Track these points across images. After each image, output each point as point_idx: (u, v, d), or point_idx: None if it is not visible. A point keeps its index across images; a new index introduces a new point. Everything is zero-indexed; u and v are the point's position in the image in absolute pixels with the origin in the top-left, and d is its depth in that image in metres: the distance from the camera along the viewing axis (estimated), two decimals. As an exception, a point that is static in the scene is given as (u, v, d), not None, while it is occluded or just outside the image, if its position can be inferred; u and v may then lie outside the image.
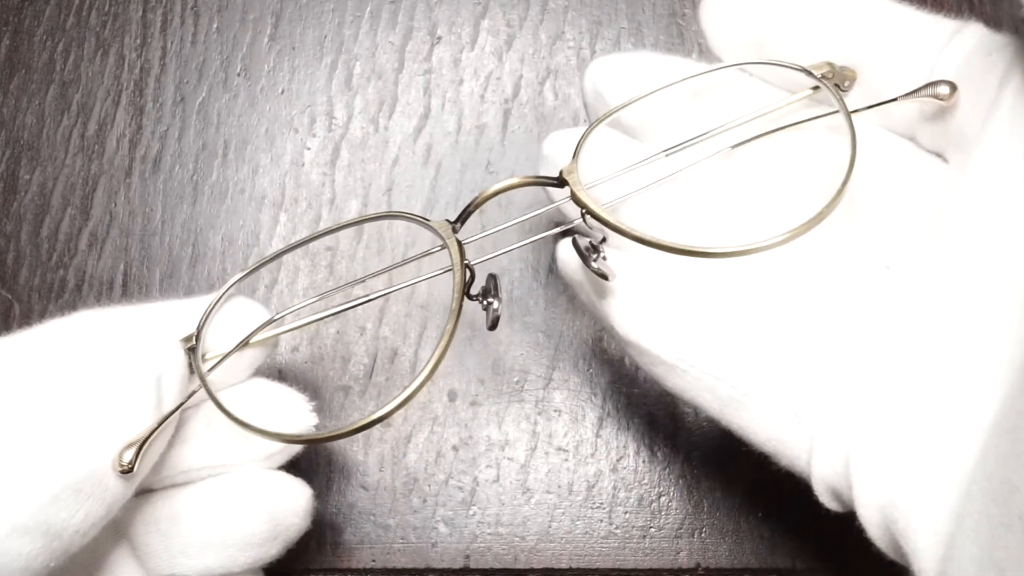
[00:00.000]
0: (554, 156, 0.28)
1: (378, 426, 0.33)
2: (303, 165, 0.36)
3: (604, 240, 0.26)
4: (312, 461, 0.32)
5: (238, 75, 0.37)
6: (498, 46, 0.38)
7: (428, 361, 0.23)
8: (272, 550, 0.26)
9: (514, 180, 0.26)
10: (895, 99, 0.26)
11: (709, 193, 0.28)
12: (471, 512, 0.32)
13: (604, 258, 0.26)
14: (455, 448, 0.32)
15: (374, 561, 0.31)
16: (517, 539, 0.31)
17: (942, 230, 0.25)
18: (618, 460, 0.32)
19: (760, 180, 0.28)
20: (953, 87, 0.25)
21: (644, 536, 0.31)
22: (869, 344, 0.25)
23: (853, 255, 0.26)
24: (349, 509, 0.32)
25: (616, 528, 0.31)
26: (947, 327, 0.24)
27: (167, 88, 0.37)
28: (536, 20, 0.38)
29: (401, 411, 0.33)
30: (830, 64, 0.27)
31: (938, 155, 0.27)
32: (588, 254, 0.26)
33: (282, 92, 0.37)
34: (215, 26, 0.38)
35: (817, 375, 0.25)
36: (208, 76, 0.37)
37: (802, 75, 0.27)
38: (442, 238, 0.26)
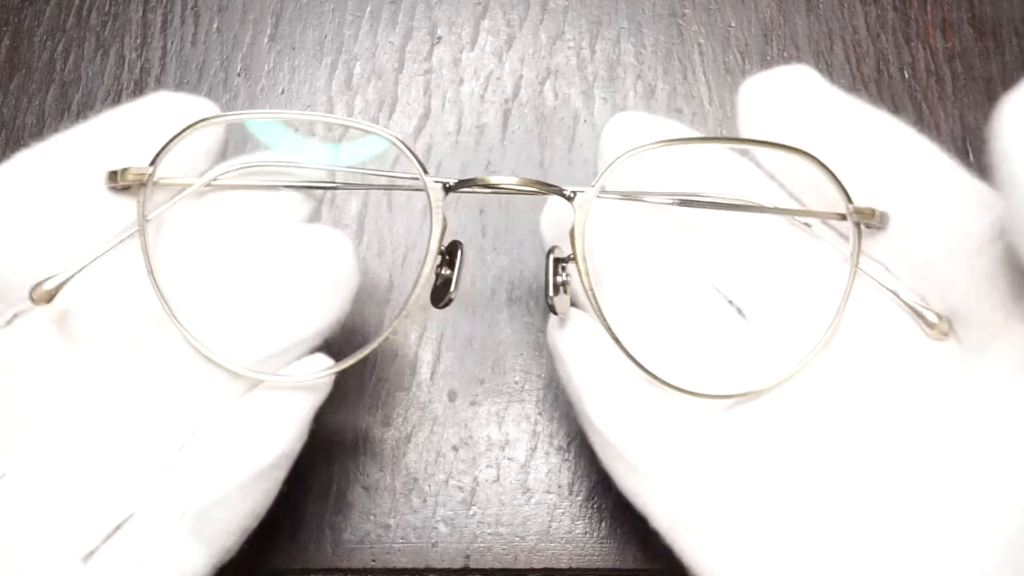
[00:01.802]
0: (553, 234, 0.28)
1: (378, 426, 0.33)
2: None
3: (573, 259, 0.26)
4: (312, 460, 0.32)
5: (238, 75, 0.37)
6: (498, 46, 0.38)
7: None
8: (336, 301, 0.25)
9: (518, 180, 0.26)
10: (896, 294, 0.26)
11: (694, 292, 0.27)
12: (471, 512, 0.32)
13: (568, 276, 0.26)
14: (455, 448, 0.32)
15: (374, 561, 0.31)
16: (517, 539, 0.32)
17: (955, 413, 0.24)
18: (618, 460, 0.32)
19: (750, 291, 0.27)
20: (946, 324, 0.25)
21: (645, 536, 0.31)
22: (858, 516, 0.24)
23: (837, 405, 0.26)
24: (349, 509, 0.32)
25: (617, 528, 0.31)
26: (938, 527, 0.23)
27: (167, 88, 0.37)
28: (536, 20, 0.38)
29: (402, 411, 0.33)
30: (872, 209, 0.26)
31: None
32: (559, 266, 0.26)
33: (282, 92, 0.37)
34: (215, 26, 0.38)
35: (782, 531, 0.24)
36: (208, 76, 0.37)
37: (826, 182, 0.26)
38: (423, 180, 0.25)
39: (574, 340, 0.26)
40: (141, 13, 0.38)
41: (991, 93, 0.37)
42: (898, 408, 0.25)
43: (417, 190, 0.26)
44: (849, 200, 0.26)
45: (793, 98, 0.27)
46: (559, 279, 0.26)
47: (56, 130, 0.36)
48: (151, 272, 0.25)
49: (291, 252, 0.25)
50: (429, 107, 0.37)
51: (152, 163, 0.25)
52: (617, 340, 0.25)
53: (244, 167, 0.27)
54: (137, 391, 0.25)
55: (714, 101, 0.37)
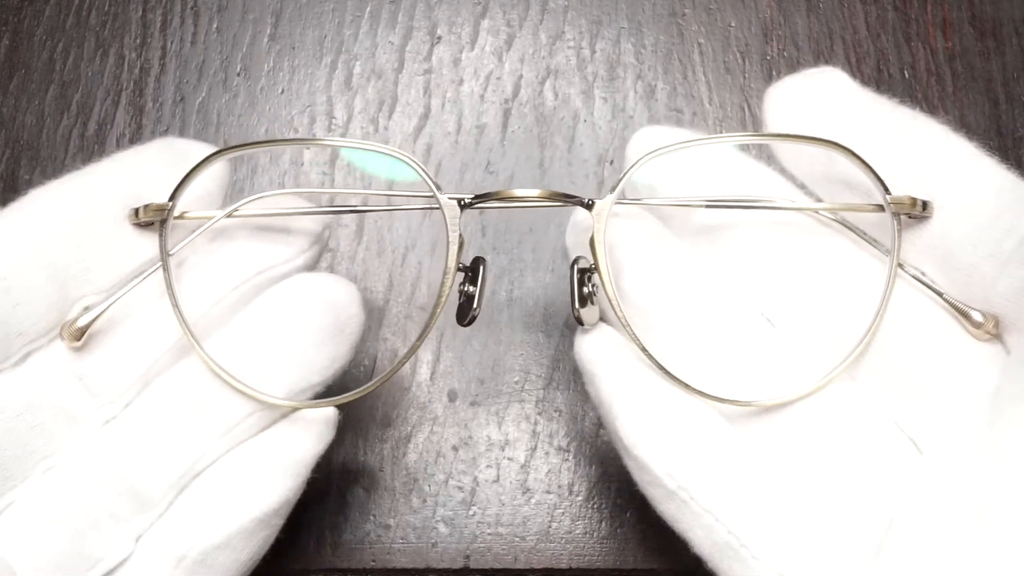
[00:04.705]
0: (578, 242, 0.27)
1: (378, 426, 0.33)
2: (302, 164, 0.36)
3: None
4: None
5: (238, 75, 0.37)
6: (498, 46, 0.38)
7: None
8: (341, 349, 0.25)
9: (538, 192, 0.25)
10: (938, 292, 0.25)
11: (722, 300, 0.26)
12: (471, 512, 0.32)
13: (594, 287, 0.25)
14: (455, 448, 0.32)
15: (374, 561, 0.31)
16: (517, 539, 0.32)
17: (1001, 426, 0.23)
18: (619, 460, 0.32)
19: (780, 294, 0.26)
20: (992, 322, 0.24)
21: (645, 536, 0.31)
22: (894, 533, 0.23)
23: (883, 423, 0.25)
24: (349, 509, 0.32)
25: (617, 528, 0.31)
26: (990, 543, 0.22)
27: (167, 88, 0.37)
28: (536, 20, 0.38)
29: (402, 411, 0.33)
30: (912, 198, 0.25)
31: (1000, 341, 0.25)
32: (584, 276, 0.25)
33: (282, 92, 0.37)
34: (215, 26, 0.38)
35: (829, 549, 0.23)
36: (208, 76, 0.37)
37: (858, 178, 0.25)
38: (438, 198, 0.25)
39: (604, 357, 0.25)
40: (141, 13, 0.38)
41: (991, 93, 0.37)
42: (944, 416, 0.24)
43: (432, 208, 0.25)
44: (886, 191, 0.25)
45: (823, 99, 0.26)
46: (585, 290, 0.25)
47: (55, 130, 0.36)
48: (176, 306, 0.25)
49: (302, 302, 0.25)
50: (429, 107, 0.37)
51: (171, 198, 0.25)
52: (644, 350, 0.25)
53: (259, 198, 0.27)
54: (142, 431, 0.25)
55: (714, 101, 0.37)
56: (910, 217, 0.25)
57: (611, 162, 0.36)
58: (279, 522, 0.25)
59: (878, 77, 0.37)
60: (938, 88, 0.37)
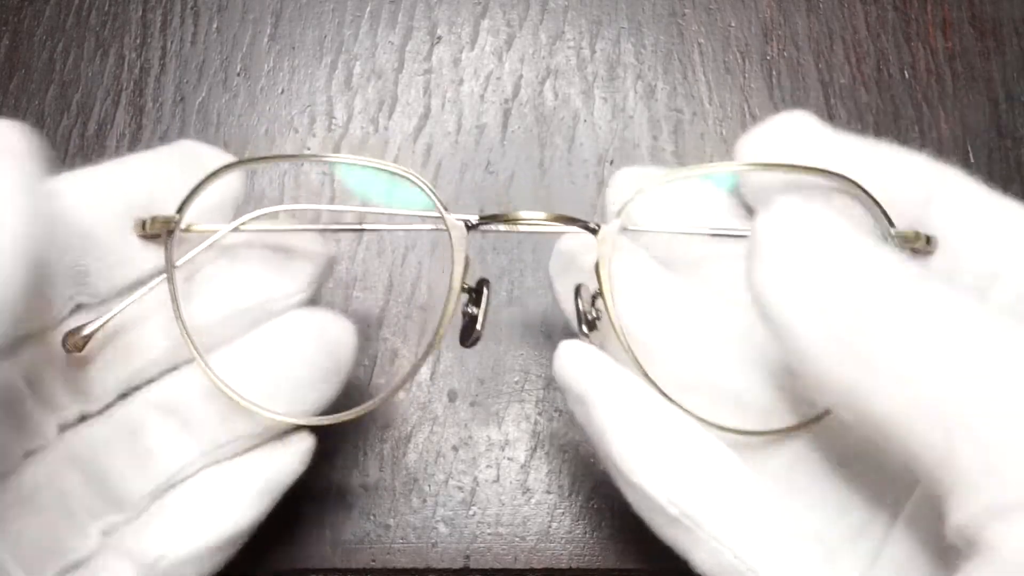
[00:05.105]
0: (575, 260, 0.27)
1: (378, 426, 0.33)
2: (302, 165, 0.36)
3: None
4: (312, 460, 0.32)
5: (238, 75, 0.37)
6: (498, 46, 0.38)
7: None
8: (333, 387, 0.26)
9: (545, 216, 0.25)
10: None
11: (733, 339, 0.26)
12: (471, 512, 0.32)
13: (597, 309, 0.25)
14: (455, 448, 0.32)
15: (374, 561, 0.31)
16: (517, 539, 0.31)
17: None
18: (618, 460, 0.32)
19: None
20: None
21: (645, 536, 0.31)
22: (887, 547, 0.23)
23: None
24: (349, 509, 0.32)
25: (617, 528, 0.31)
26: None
27: (167, 88, 0.37)
28: (536, 20, 0.38)
29: (402, 411, 0.33)
30: (916, 232, 0.24)
31: None
32: (587, 307, 0.25)
33: (282, 92, 0.37)
34: (215, 26, 0.38)
35: (833, 569, 0.23)
36: (208, 76, 0.37)
37: (854, 212, 0.25)
38: (445, 219, 0.25)
39: (595, 380, 0.24)
40: (141, 13, 0.38)
41: (991, 93, 0.37)
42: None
43: (439, 229, 0.25)
44: (891, 224, 0.24)
45: (796, 142, 0.26)
46: (590, 316, 0.25)
47: (55, 130, 0.36)
48: (180, 318, 0.25)
49: (302, 341, 0.26)
50: (429, 107, 0.37)
51: (179, 211, 0.25)
52: (653, 383, 0.24)
53: (265, 213, 0.27)
54: (127, 435, 0.25)
55: (714, 101, 0.37)
56: (914, 251, 0.25)
57: (611, 162, 0.36)
58: (244, 540, 0.26)
59: (878, 77, 0.37)
60: (938, 88, 0.37)
